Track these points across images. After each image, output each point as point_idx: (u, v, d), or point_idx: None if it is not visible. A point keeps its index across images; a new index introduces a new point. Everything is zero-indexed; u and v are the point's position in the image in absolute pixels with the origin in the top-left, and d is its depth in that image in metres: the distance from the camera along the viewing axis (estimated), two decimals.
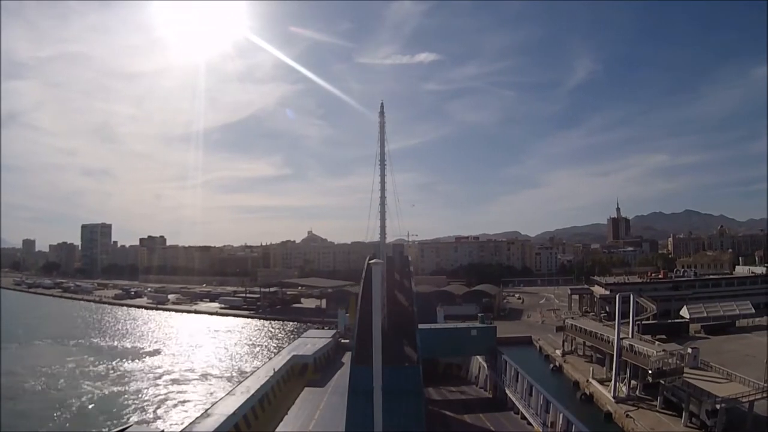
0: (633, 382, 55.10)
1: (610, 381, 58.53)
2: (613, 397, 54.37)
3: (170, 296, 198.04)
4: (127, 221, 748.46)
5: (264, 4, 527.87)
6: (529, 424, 36.84)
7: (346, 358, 52.32)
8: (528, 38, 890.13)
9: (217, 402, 40.31)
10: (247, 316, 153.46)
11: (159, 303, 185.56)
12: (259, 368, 53.29)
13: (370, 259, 45.63)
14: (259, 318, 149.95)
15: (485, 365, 50.08)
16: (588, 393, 58.85)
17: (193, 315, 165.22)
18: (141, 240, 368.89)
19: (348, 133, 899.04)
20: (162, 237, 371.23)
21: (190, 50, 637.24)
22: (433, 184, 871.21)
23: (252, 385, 43.31)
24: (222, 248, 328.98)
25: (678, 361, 45.86)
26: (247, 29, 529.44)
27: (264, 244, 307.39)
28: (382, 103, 42.15)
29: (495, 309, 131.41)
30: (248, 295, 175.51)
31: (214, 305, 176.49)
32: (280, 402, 44.67)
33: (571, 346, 78.99)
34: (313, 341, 64.32)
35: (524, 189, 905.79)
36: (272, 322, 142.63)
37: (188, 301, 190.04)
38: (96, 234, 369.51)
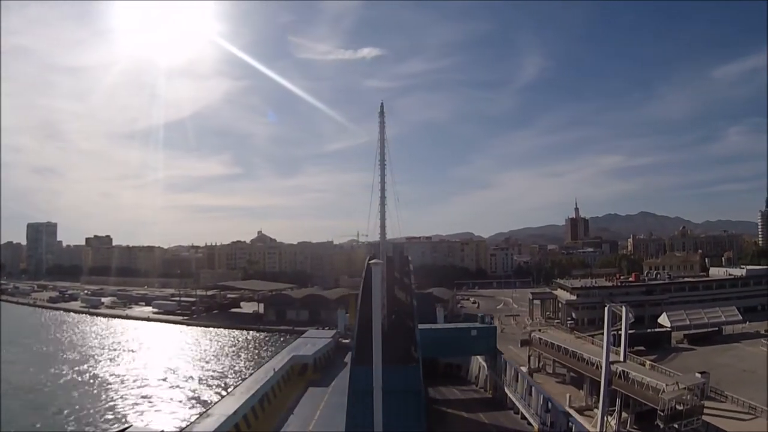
0: (623, 413, 43.83)
1: (593, 410, 47.62)
2: None
3: (106, 299, 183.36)
4: (76, 221, 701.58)
5: None
6: (529, 423, 37.01)
7: (347, 358, 51.04)
8: (475, 34, 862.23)
9: (217, 402, 40.21)
10: (180, 323, 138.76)
11: (92, 307, 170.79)
12: (258, 368, 52.91)
13: (370, 259, 46.28)
14: (191, 325, 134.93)
15: (485, 365, 50.73)
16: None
17: (122, 320, 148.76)
18: (87, 239, 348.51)
19: (295, 131, 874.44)
20: (108, 236, 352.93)
21: (132, 44, 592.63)
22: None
23: (252, 385, 43.21)
24: (167, 249, 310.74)
25: (697, 398, 34.81)
26: (188, 22, 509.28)
27: (209, 244, 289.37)
28: (382, 103, 41.69)
29: (448, 315, 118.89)
30: (183, 298, 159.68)
31: (149, 309, 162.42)
32: (280, 402, 44.85)
33: (539, 362, 67.81)
34: (313, 341, 64.32)
35: (476, 189, 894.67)
36: (209, 329, 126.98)
37: (123, 305, 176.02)
38: (41, 233, 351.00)
